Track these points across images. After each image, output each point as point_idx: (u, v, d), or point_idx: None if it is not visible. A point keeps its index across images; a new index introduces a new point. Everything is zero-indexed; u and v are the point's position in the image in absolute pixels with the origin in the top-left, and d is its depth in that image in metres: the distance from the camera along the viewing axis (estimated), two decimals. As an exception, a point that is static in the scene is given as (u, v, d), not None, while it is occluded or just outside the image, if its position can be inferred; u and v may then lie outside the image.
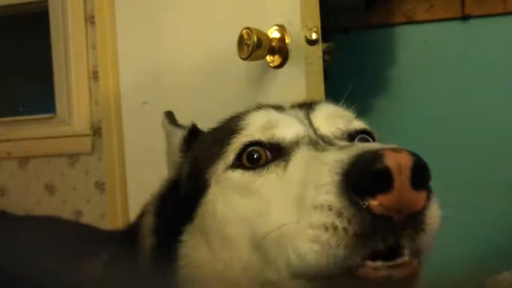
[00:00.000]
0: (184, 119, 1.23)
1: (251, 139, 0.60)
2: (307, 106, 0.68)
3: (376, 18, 2.01)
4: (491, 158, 1.96)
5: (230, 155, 0.61)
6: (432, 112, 2.01)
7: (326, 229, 0.44)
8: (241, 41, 1.04)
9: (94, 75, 1.89)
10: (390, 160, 0.42)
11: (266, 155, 0.59)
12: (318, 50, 1.05)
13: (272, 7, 1.10)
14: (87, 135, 1.91)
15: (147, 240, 0.67)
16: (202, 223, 0.61)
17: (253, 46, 1.01)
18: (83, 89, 1.91)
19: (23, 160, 2.00)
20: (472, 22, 1.97)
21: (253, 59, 1.06)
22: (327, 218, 0.44)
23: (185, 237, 0.62)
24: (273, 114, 0.64)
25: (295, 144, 0.59)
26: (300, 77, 1.05)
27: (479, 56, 1.98)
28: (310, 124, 0.64)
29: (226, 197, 0.59)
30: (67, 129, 1.95)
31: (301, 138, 0.60)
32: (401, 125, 2.04)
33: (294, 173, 0.55)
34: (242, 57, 1.05)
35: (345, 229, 0.43)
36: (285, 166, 0.57)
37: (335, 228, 0.44)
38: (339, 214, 0.44)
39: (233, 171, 0.60)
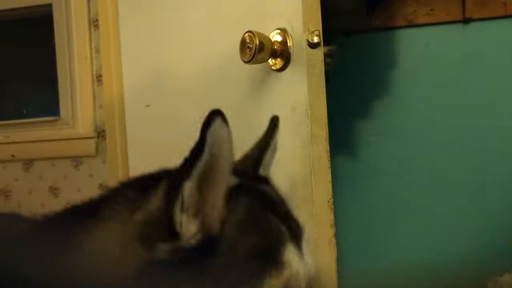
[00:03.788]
0: (187, 121, 1.24)
1: (289, 285, 0.64)
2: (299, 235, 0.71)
3: (377, 22, 2.02)
4: (493, 160, 1.97)
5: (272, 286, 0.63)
6: (433, 114, 2.02)
7: None
8: (243, 44, 1.05)
9: (98, 78, 1.91)
10: None
11: None
12: (319, 53, 1.06)
13: (274, 11, 1.11)
14: (91, 138, 1.92)
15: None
16: None
17: (255, 50, 1.02)
18: (87, 92, 1.93)
19: (27, 163, 2.01)
20: (473, 25, 1.98)
21: (255, 62, 1.06)
22: None
23: None
24: (307, 265, 0.68)
25: None
26: (301, 80, 1.06)
27: (480, 59, 1.99)
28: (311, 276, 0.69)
29: None
30: (71, 132, 1.96)
31: None
32: (402, 127, 2.05)
33: None
34: (244, 60, 1.06)
35: None
36: None
37: None
38: None
39: None
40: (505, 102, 1.97)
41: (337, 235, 1.07)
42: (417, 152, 2.02)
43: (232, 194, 0.66)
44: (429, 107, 2.02)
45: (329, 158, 1.06)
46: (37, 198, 1.99)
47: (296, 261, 0.65)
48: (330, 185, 1.06)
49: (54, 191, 1.98)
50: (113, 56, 1.67)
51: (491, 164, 1.96)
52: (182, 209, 0.61)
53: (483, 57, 1.98)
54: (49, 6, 2.01)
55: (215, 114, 0.61)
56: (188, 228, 0.62)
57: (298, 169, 1.07)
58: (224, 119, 0.62)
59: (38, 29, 2.15)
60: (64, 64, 1.97)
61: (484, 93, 1.98)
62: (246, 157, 0.83)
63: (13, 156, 2.01)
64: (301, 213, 1.06)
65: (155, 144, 1.45)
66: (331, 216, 1.06)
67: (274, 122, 0.85)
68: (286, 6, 1.08)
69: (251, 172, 0.80)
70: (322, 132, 1.06)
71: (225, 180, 0.65)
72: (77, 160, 1.95)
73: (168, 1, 1.42)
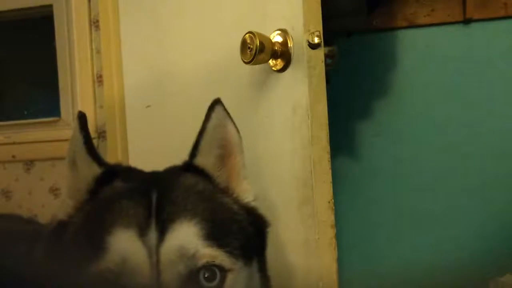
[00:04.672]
0: (188, 122, 1.24)
1: (101, 274, 0.63)
2: (159, 235, 0.66)
3: (377, 22, 2.02)
4: (493, 160, 1.97)
5: (94, 268, 0.63)
6: (434, 115, 2.02)
7: None
8: (244, 45, 1.05)
9: (99, 79, 1.90)
10: None
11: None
12: (320, 54, 1.06)
13: (275, 12, 1.11)
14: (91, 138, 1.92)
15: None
16: None
17: (256, 50, 1.02)
18: (87, 93, 1.92)
19: (28, 163, 2.01)
20: (474, 26, 1.98)
21: (256, 63, 1.06)
22: None
23: None
24: (131, 253, 0.64)
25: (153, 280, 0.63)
26: (302, 81, 1.05)
27: (480, 59, 1.98)
28: (157, 267, 0.65)
29: None
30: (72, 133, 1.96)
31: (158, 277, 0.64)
32: (402, 128, 2.05)
33: None
34: (245, 61, 1.06)
35: None
36: None
37: None
38: None
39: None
40: (505, 102, 1.97)
41: (337, 235, 1.07)
42: (417, 152, 2.02)
43: (103, 179, 0.74)
44: (429, 107, 2.02)
45: (329, 159, 1.06)
46: (37, 199, 1.98)
47: (124, 249, 0.64)
48: (330, 185, 1.06)
49: (54, 191, 1.97)
50: (113, 57, 1.67)
51: (491, 165, 1.96)
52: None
53: (484, 58, 1.98)
54: (49, 7, 2.01)
55: (77, 116, 0.75)
56: (60, 205, 0.73)
57: (299, 169, 1.06)
58: (80, 123, 0.74)
59: (39, 30, 2.15)
60: (65, 65, 1.97)
61: (484, 94, 1.98)
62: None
63: (13, 156, 2.01)
64: (301, 214, 1.06)
65: (156, 145, 1.45)
66: (332, 217, 1.06)
67: (211, 105, 0.85)
68: (287, 7, 1.08)
69: (188, 160, 0.82)
70: (323, 132, 1.05)
71: (81, 170, 0.76)
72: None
73: (168, 2, 1.42)
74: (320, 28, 1.05)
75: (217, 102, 0.85)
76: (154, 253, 0.64)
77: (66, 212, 0.73)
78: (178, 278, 0.65)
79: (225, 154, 0.84)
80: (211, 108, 0.84)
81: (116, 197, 0.71)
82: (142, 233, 0.65)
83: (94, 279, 0.62)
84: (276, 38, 1.08)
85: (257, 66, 1.11)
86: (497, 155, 1.95)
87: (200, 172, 0.81)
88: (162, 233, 0.66)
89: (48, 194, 1.98)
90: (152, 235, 0.65)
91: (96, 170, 0.75)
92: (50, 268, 0.62)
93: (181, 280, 0.65)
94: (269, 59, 1.08)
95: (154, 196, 0.70)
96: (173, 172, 0.81)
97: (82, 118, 0.75)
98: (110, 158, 1.76)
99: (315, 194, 1.04)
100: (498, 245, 1.90)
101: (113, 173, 0.76)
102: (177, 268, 0.65)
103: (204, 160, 0.82)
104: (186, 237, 0.67)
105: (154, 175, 0.82)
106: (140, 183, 0.76)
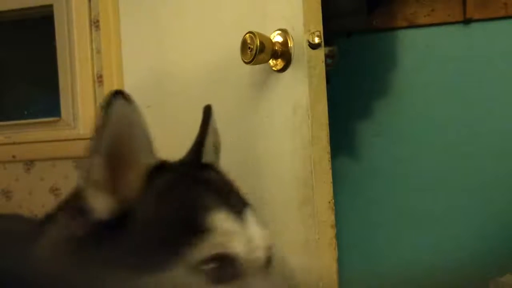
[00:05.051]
0: (188, 122, 1.24)
1: (222, 252, 0.62)
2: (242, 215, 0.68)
3: (377, 22, 2.02)
4: (493, 160, 1.97)
5: (197, 253, 0.61)
6: (434, 115, 2.02)
7: None
8: (244, 45, 1.05)
9: (99, 79, 1.91)
10: None
11: (225, 268, 0.62)
12: (320, 54, 1.06)
13: (275, 12, 1.11)
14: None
15: None
16: None
17: (256, 50, 1.02)
18: (88, 93, 1.92)
19: (28, 163, 2.01)
20: (474, 26, 1.98)
21: (256, 63, 1.06)
22: None
23: None
24: (252, 235, 0.66)
25: (248, 266, 0.64)
26: (302, 81, 1.06)
27: (480, 59, 1.99)
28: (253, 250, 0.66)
29: None
30: (72, 133, 1.95)
31: (254, 261, 0.65)
32: (402, 128, 2.05)
33: None
34: (245, 61, 1.06)
35: None
36: None
37: None
38: None
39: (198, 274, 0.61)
40: (505, 102, 1.97)
41: (337, 235, 1.07)
42: (417, 152, 2.02)
43: (153, 172, 0.69)
44: (429, 107, 2.02)
45: (329, 159, 1.06)
46: (37, 199, 1.98)
47: (228, 227, 0.64)
48: (331, 185, 1.07)
49: (54, 191, 1.97)
50: (114, 57, 1.67)
51: (491, 165, 1.96)
52: (89, 185, 0.64)
53: (484, 58, 1.98)
54: (50, 7, 2.01)
55: (117, 94, 0.63)
56: (98, 202, 0.64)
57: (299, 169, 1.07)
58: (126, 99, 0.63)
59: (39, 30, 2.15)
60: (65, 65, 1.97)
61: (484, 94, 1.98)
62: (191, 149, 0.84)
63: (14, 156, 2.01)
64: (302, 214, 1.06)
65: (156, 145, 1.45)
66: (332, 217, 1.06)
67: (206, 111, 0.86)
68: (287, 7, 1.08)
69: (195, 160, 0.82)
70: (323, 133, 1.06)
71: (140, 158, 0.68)
72: (78, 160, 1.95)
73: (168, 2, 1.42)
74: (321, 28, 1.05)
75: (209, 107, 0.87)
76: (248, 236, 0.66)
77: (107, 209, 0.65)
78: (262, 263, 0.67)
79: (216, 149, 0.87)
80: (207, 114, 0.86)
81: (181, 186, 0.70)
82: (236, 217, 0.66)
83: (200, 264, 0.61)
84: (276, 38, 1.08)
85: (257, 66, 1.11)
86: (497, 155, 1.96)
87: (209, 166, 0.82)
88: (244, 219, 0.68)
89: (48, 194, 1.98)
90: (241, 220, 0.67)
91: (153, 159, 0.71)
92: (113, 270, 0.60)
93: (263, 264, 0.68)
94: (269, 59, 1.09)
95: (216, 185, 0.72)
96: (200, 166, 0.81)
97: (123, 94, 0.66)
98: (110, 158, 1.75)
99: (315, 194, 1.05)
100: (498, 245, 1.90)
101: (163, 165, 0.74)
102: (261, 252, 0.67)
103: (210, 157, 0.84)
104: (257, 224, 0.69)
105: (191, 168, 0.80)
106: (193, 173, 0.75)
